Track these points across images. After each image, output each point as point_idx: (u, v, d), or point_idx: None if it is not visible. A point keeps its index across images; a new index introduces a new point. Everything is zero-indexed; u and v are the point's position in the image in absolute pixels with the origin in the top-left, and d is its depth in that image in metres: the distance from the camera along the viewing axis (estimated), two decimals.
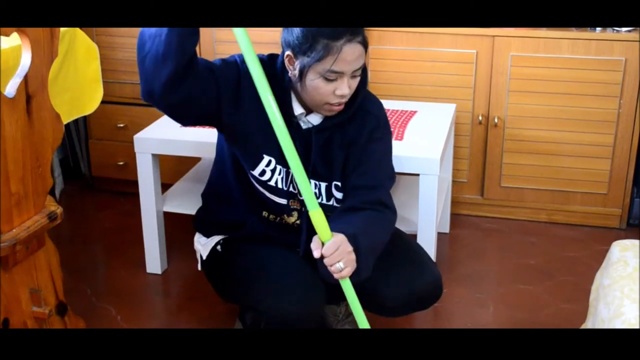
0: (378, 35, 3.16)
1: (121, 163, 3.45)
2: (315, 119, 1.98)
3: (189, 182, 2.96)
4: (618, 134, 3.07)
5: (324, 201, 2.02)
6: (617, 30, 3.00)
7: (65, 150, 3.72)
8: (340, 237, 1.79)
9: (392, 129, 2.71)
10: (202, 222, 2.24)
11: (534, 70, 3.07)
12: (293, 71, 1.88)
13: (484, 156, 3.24)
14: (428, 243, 2.53)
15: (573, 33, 3.02)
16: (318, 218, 1.78)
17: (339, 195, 2.04)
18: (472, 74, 3.13)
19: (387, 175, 2.06)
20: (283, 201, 2.01)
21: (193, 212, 2.27)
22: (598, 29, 3.03)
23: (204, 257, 2.18)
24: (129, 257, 2.98)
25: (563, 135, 3.12)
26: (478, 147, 3.23)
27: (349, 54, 1.82)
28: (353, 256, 1.80)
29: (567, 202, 3.23)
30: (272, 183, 1.98)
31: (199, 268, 2.25)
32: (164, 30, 1.69)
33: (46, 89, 1.86)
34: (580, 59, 3.02)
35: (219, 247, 2.15)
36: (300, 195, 1.97)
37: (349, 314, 2.44)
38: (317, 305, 1.96)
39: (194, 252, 2.27)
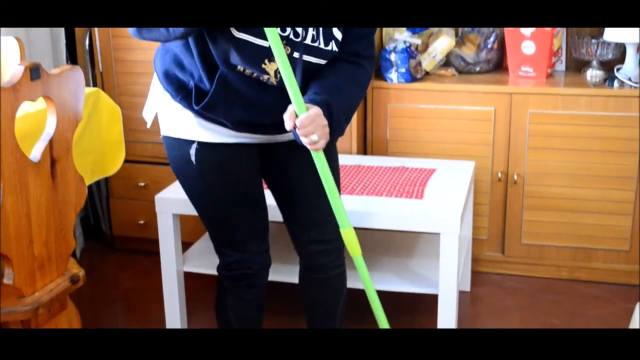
0: (396, 94, 3.19)
1: (142, 222, 3.47)
2: None
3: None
4: (639, 190, 3.06)
5: (322, 45, 1.89)
6: (635, 87, 3.01)
7: (86, 209, 3.75)
8: (315, 111, 1.83)
9: (411, 188, 2.73)
10: (170, 76, 2.01)
11: (553, 127, 3.08)
12: None
13: (504, 213, 3.23)
14: (449, 303, 2.51)
15: (591, 90, 3.03)
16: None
17: (339, 35, 1.92)
18: (490, 131, 3.14)
19: (372, 30, 2.04)
20: (265, 44, 1.83)
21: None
22: (616, 85, 3.04)
23: (165, 128, 2.07)
24: (149, 317, 2.98)
25: (583, 191, 3.11)
26: (498, 204, 3.22)
27: None
28: (327, 129, 1.86)
29: (589, 259, 3.21)
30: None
31: (144, 115, 2.16)
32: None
33: (70, 153, 1.89)
34: (599, 115, 3.03)
35: (192, 153, 2.03)
36: (293, 37, 1.85)
37: None
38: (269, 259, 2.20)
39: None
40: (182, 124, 2.02)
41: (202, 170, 2.04)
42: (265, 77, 1.90)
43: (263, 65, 1.88)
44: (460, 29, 3.44)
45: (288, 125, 1.85)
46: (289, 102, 1.87)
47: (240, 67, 1.88)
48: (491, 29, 3.39)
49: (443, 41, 3.23)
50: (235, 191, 2.08)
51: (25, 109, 2.12)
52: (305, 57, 1.89)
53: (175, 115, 2.03)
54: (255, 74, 1.90)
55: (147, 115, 2.15)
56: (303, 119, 1.82)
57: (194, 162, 2.02)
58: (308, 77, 1.95)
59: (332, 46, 1.92)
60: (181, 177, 2.10)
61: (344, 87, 1.95)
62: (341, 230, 1.98)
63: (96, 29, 3.28)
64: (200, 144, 2.01)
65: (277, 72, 1.89)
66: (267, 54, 1.85)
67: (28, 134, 1.99)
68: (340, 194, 2.14)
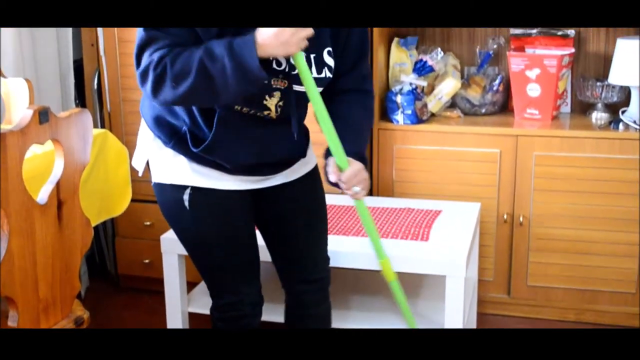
0: (402, 135, 3.20)
1: (147, 261, 3.47)
2: None
3: None
4: None
5: (315, 74, 1.91)
6: None
7: (91, 248, 3.74)
8: (358, 167, 1.93)
9: (417, 230, 2.73)
10: (161, 122, 2.01)
11: (558, 169, 3.08)
12: None
13: (510, 255, 3.22)
14: None
15: (596, 133, 3.04)
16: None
17: (331, 61, 1.95)
18: (496, 173, 3.14)
19: (365, 47, 2.09)
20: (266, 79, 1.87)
21: None
22: (621, 128, 3.04)
23: (156, 175, 2.06)
24: None
25: (589, 234, 3.11)
26: (504, 245, 3.21)
27: None
28: (368, 181, 1.97)
29: (595, 301, 3.19)
30: None
31: (134, 164, 2.14)
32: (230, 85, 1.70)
33: (77, 195, 1.90)
34: (604, 157, 3.03)
35: (186, 199, 2.02)
36: (289, 70, 1.87)
37: None
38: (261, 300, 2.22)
39: None
40: (174, 169, 2.03)
41: (196, 215, 2.04)
42: (266, 112, 1.92)
43: (264, 102, 1.90)
44: (466, 72, 3.46)
45: (332, 179, 1.93)
46: (287, 136, 1.95)
47: (237, 107, 1.89)
48: (496, 71, 3.41)
49: (449, 83, 3.25)
50: (228, 236, 2.09)
51: (33, 150, 2.14)
52: (301, 88, 1.90)
53: (167, 161, 2.04)
54: (252, 111, 1.91)
55: (138, 164, 2.15)
56: (348, 176, 1.91)
57: (187, 207, 2.03)
58: (306, 106, 2.03)
59: (326, 73, 1.95)
60: (174, 223, 2.11)
61: (363, 125, 2.08)
62: (379, 260, 2.12)
63: (105, 70, 3.31)
64: (193, 189, 2.02)
65: (277, 106, 1.92)
66: (267, 89, 1.88)
67: (35, 176, 2.00)
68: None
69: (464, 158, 3.16)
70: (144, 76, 1.76)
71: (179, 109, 1.95)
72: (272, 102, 1.91)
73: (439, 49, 3.30)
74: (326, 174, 1.97)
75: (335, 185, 1.96)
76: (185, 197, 2.02)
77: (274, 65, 1.85)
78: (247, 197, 2.10)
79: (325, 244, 2.27)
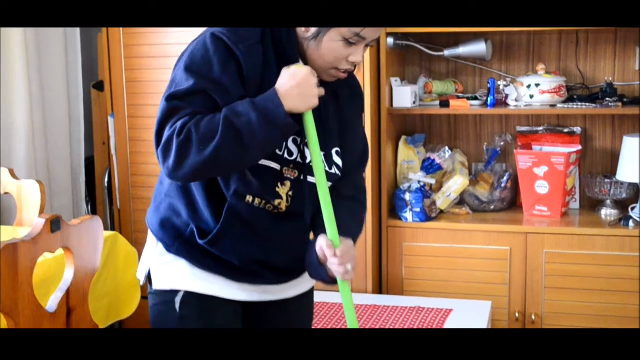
0: (411, 233, 3.20)
1: None
2: None
3: None
4: None
5: (326, 167, 1.90)
6: None
7: None
8: (350, 243, 1.87)
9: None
10: (165, 226, 1.94)
11: (569, 267, 3.06)
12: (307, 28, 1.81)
13: None
14: None
15: (606, 230, 3.04)
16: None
17: (339, 161, 1.94)
18: (507, 271, 3.12)
19: (366, 156, 2.09)
20: (276, 166, 1.83)
21: None
22: (631, 225, 3.04)
23: (156, 282, 1.95)
24: None
25: None
26: None
27: None
28: (356, 260, 1.88)
29: None
30: None
31: (138, 275, 2.03)
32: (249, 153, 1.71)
33: (87, 302, 1.89)
34: (615, 255, 3.02)
35: (177, 302, 1.91)
36: (300, 159, 1.87)
37: None
38: None
39: None
40: (173, 274, 1.93)
41: (184, 317, 1.91)
42: (277, 201, 1.86)
43: (277, 189, 1.85)
44: (473, 169, 3.48)
45: (328, 254, 1.81)
46: (298, 234, 1.90)
47: (249, 198, 1.85)
48: (504, 168, 3.43)
49: (457, 180, 3.27)
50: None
51: (44, 254, 2.14)
52: (313, 180, 1.87)
53: (166, 267, 1.95)
54: (263, 202, 1.86)
55: (140, 274, 2.04)
56: (344, 249, 1.82)
57: (177, 310, 1.91)
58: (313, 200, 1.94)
59: (335, 170, 1.92)
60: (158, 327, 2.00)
61: (354, 233, 1.95)
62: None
63: (116, 168, 3.34)
64: (187, 292, 1.92)
65: (288, 195, 1.87)
66: (279, 177, 1.84)
67: (46, 279, 2.00)
68: None
69: (474, 255, 3.15)
70: (166, 149, 1.71)
71: (183, 211, 1.91)
72: (283, 191, 1.87)
73: (447, 147, 3.33)
74: (312, 255, 1.86)
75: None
76: (177, 299, 1.91)
77: (286, 155, 1.84)
78: (239, 311, 1.99)
79: None
